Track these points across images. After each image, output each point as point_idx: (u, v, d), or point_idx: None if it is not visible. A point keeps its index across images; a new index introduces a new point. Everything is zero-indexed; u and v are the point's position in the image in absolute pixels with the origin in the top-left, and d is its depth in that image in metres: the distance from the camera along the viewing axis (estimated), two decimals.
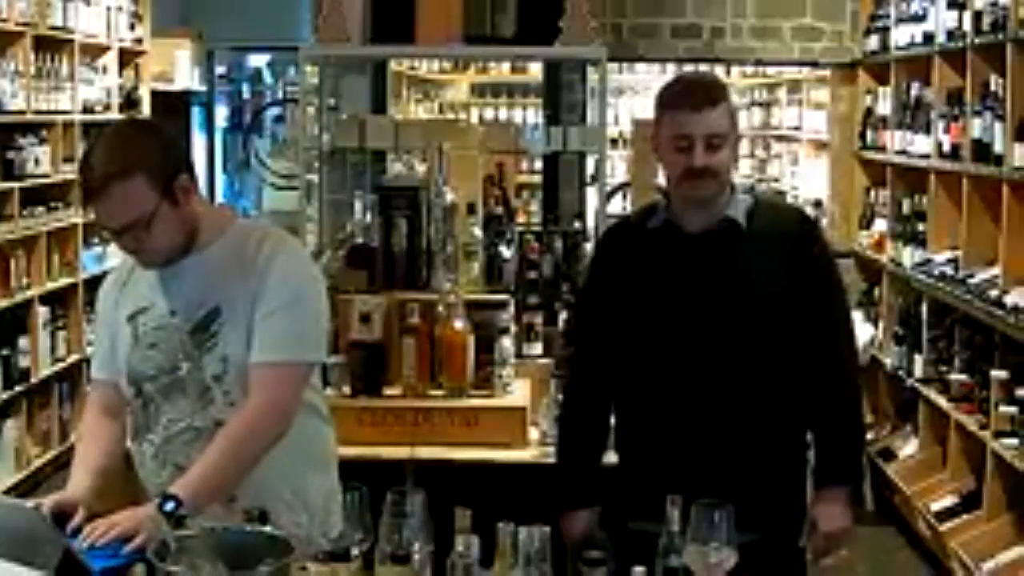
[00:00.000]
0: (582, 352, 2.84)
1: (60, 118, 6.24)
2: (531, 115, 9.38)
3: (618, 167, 8.74)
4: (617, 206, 6.65)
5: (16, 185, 5.77)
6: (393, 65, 6.88)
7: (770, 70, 9.14)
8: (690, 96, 2.54)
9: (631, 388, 2.70)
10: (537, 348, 3.78)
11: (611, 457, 2.86)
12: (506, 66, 9.93)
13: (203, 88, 8.69)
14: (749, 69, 9.39)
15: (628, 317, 2.63)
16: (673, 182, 2.61)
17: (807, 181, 8.41)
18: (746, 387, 2.57)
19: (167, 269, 2.45)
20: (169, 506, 2.19)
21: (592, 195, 5.04)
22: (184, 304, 2.44)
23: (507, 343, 3.59)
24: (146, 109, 7.35)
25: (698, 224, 2.60)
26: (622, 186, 8.30)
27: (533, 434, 3.55)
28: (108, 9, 6.85)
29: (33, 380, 6.00)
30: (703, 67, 8.64)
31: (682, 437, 2.59)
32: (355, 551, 2.00)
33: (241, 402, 2.41)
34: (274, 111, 9.82)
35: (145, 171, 2.31)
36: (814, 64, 6.97)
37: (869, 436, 6.01)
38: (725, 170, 2.57)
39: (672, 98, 2.58)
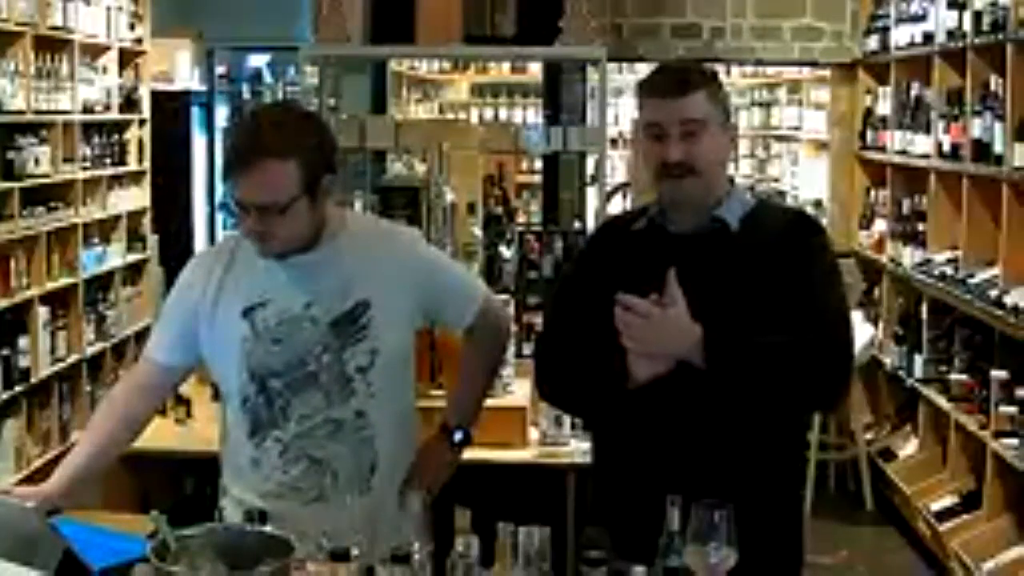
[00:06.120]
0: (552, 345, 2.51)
1: (60, 118, 6.23)
2: (531, 115, 9.39)
3: (618, 167, 8.74)
4: (617, 206, 6.65)
5: (16, 185, 5.76)
6: (393, 65, 6.89)
7: (770, 70, 9.15)
8: (664, 82, 2.38)
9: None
10: None
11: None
12: (506, 66, 9.94)
13: (203, 88, 8.67)
14: (749, 69, 9.40)
15: (602, 325, 2.24)
16: (653, 179, 2.40)
17: (807, 181, 8.42)
18: (722, 402, 2.24)
19: (289, 263, 2.43)
20: (459, 436, 2.55)
21: (592, 195, 5.05)
22: (322, 296, 2.43)
23: None
24: (146, 109, 7.35)
25: (683, 225, 2.38)
26: (622, 186, 8.31)
27: (533, 434, 3.55)
28: (108, 9, 6.84)
29: (33, 380, 5.99)
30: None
31: (657, 453, 2.30)
32: (355, 551, 2.00)
33: (382, 395, 2.45)
34: None
35: (299, 158, 2.32)
36: (814, 64, 6.97)
37: (869, 436, 6.02)
38: (707, 165, 2.32)
39: (647, 85, 2.43)
